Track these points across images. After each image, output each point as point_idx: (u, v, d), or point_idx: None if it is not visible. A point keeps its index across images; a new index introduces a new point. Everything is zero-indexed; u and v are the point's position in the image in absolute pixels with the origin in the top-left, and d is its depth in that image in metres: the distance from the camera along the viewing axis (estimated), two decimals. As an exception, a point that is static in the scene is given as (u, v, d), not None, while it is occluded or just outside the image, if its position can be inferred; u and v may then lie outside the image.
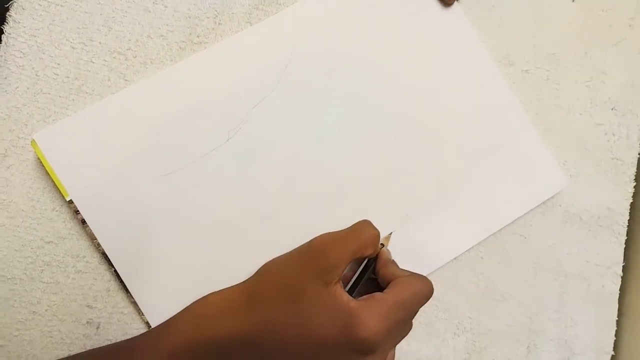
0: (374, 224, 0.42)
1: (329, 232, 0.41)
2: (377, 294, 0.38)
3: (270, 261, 0.43)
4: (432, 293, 0.40)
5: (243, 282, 0.43)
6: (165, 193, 0.44)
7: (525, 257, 0.50)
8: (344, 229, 0.41)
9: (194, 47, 0.45)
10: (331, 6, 0.47)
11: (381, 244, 0.44)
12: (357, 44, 0.47)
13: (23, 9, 0.43)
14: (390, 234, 0.46)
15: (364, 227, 0.41)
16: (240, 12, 0.46)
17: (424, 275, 0.41)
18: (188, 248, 0.44)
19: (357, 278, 0.42)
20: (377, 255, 0.43)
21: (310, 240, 0.41)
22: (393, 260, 0.43)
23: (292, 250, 0.42)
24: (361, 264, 0.43)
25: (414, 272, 0.41)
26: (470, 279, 0.49)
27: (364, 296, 0.38)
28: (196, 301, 0.43)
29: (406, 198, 0.47)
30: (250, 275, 0.43)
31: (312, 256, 0.39)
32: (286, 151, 0.45)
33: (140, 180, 0.43)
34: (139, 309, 0.43)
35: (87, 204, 0.42)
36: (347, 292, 0.39)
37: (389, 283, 0.40)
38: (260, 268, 0.43)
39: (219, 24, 0.46)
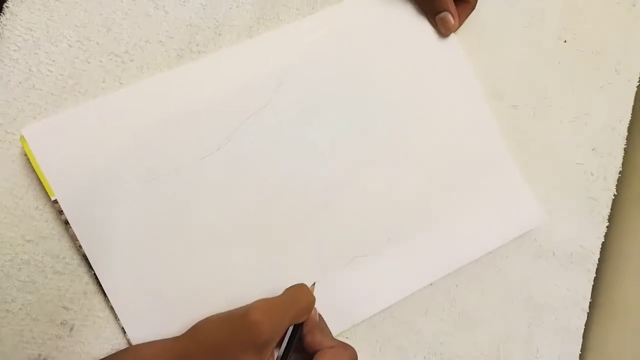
0: (308, 289, 0.43)
1: (265, 302, 0.40)
2: None
3: (206, 321, 0.41)
4: None
5: (176, 338, 0.42)
6: (151, 198, 0.43)
7: (499, 287, 0.51)
8: (280, 297, 0.41)
9: (192, 56, 0.45)
10: (330, 28, 0.47)
11: None
12: (352, 66, 0.47)
13: (21, 1, 0.42)
14: (314, 284, 0.46)
15: (301, 296, 0.42)
16: (241, 25, 0.46)
17: (348, 344, 0.42)
18: (170, 256, 0.44)
19: (287, 344, 0.42)
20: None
21: (247, 311, 0.39)
22: (319, 323, 0.44)
23: (229, 315, 0.41)
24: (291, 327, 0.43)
25: (339, 341, 0.43)
26: (443, 305, 0.50)
27: None
28: (126, 352, 0.42)
29: (388, 222, 0.48)
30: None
31: (248, 329, 0.38)
32: (274, 165, 0.46)
33: (128, 184, 0.43)
34: (115, 313, 0.43)
35: (72, 204, 0.42)
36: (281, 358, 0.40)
37: (314, 351, 0.41)
38: (195, 326, 0.41)
39: (219, 34, 0.46)
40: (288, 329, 0.42)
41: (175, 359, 0.40)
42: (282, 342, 0.42)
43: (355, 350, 0.42)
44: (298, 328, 0.42)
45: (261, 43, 0.46)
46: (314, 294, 0.45)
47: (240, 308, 0.41)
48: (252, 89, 0.45)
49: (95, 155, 0.43)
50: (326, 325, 0.45)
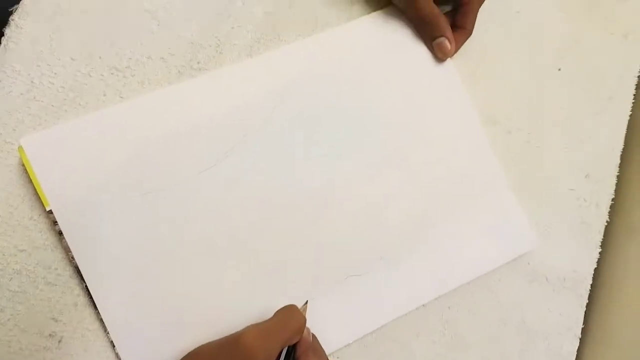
0: (299, 310, 0.42)
1: (256, 327, 0.40)
2: None
3: (199, 349, 0.41)
4: None
5: None
6: (146, 213, 0.44)
7: (492, 311, 0.51)
8: (271, 321, 0.41)
9: (193, 73, 0.46)
10: (329, 50, 0.48)
11: None
12: (349, 88, 0.48)
13: (27, 14, 0.43)
14: (306, 303, 0.46)
15: (290, 318, 0.42)
16: (242, 44, 0.47)
17: None
18: (162, 270, 0.44)
19: None
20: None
21: (239, 336, 0.39)
22: (313, 344, 0.44)
23: (220, 341, 0.41)
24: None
25: None
26: (436, 327, 0.50)
27: None
28: None
29: (382, 242, 0.48)
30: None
31: (241, 354, 0.38)
32: (269, 183, 0.46)
33: (123, 197, 0.43)
34: (105, 327, 0.43)
35: (67, 216, 0.42)
36: None
37: None
38: (188, 354, 0.41)
39: (220, 52, 0.47)
40: (282, 351, 0.42)
41: None
42: None
43: None
44: (292, 350, 0.42)
45: (261, 62, 0.47)
46: (307, 313, 0.45)
47: (232, 335, 0.40)
48: (251, 107, 0.46)
49: (92, 168, 0.43)
50: (320, 346, 0.45)
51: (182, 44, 0.46)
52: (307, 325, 0.43)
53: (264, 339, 0.39)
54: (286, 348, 0.42)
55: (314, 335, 0.45)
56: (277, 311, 0.42)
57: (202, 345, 0.41)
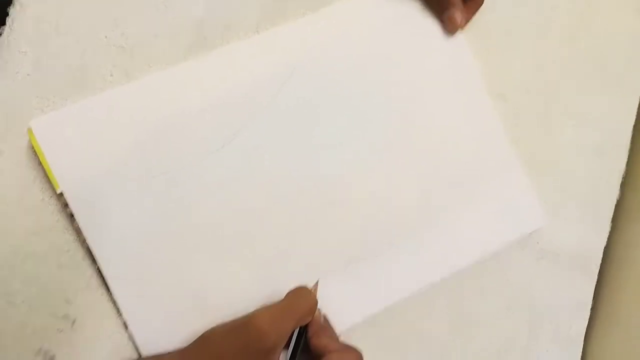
0: (310, 291, 0.43)
1: (267, 309, 0.40)
2: None
3: (211, 331, 0.41)
4: None
5: (182, 350, 0.42)
6: (156, 194, 0.43)
7: (501, 290, 0.51)
8: (282, 302, 0.41)
9: (200, 51, 0.45)
10: (336, 24, 0.47)
11: None
12: (357, 64, 0.48)
13: (31, -6, 0.42)
14: (317, 282, 0.46)
15: (302, 298, 0.42)
16: (249, 21, 0.46)
17: (353, 347, 0.43)
18: (174, 251, 0.44)
19: (293, 349, 0.42)
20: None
21: (250, 318, 0.39)
22: (324, 325, 0.44)
23: (233, 324, 0.41)
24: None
25: (345, 344, 0.43)
26: (445, 307, 0.50)
27: None
28: None
29: (391, 222, 0.48)
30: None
31: (252, 337, 0.38)
32: (277, 164, 0.46)
33: (133, 178, 0.43)
34: (118, 308, 0.43)
35: (78, 198, 0.42)
36: None
37: (320, 354, 0.41)
38: (201, 336, 0.41)
39: (227, 30, 0.46)
40: (293, 332, 0.42)
41: None
42: (289, 345, 0.42)
43: (360, 353, 0.42)
44: (303, 331, 0.42)
45: (268, 39, 0.46)
46: (317, 293, 0.45)
47: (244, 317, 0.41)
48: (258, 84, 0.46)
49: (101, 149, 0.43)
50: (331, 327, 0.45)
51: (188, 21, 0.45)
52: (318, 305, 0.43)
53: (276, 321, 0.39)
54: (297, 329, 0.42)
55: (324, 316, 0.45)
56: (288, 292, 0.42)
57: (214, 328, 0.42)
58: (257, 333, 0.38)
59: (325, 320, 0.45)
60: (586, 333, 0.53)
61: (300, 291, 0.42)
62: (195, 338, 0.42)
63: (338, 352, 0.41)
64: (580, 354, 0.53)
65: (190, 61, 0.45)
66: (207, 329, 0.42)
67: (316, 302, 0.42)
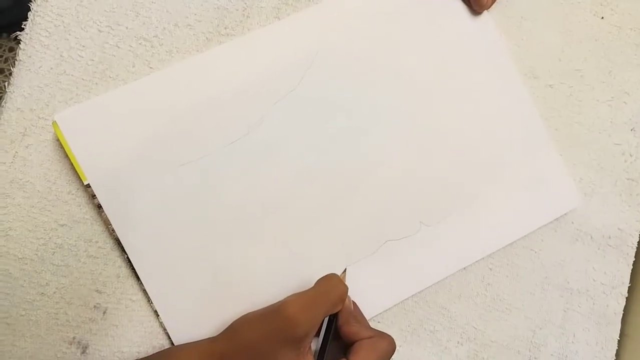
0: (340, 279, 0.42)
1: (298, 297, 0.40)
2: None
3: (242, 320, 0.41)
4: (395, 349, 0.41)
5: (212, 339, 0.42)
6: (182, 183, 0.43)
7: (534, 272, 0.50)
8: (312, 290, 0.41)
9: (221, 39, 0.45)
10: (359, 7, 0.46)
11: None
12: (382, 47, 0.47)
13: (52, -13, 0.43)
14: (345, 270, 0.45)
15: (332, 287, 0.41)
16: (269, 6, 0.46)
17: (385, 332, 0.42)
18: (201, 239, 0.44)
19: (324, 337, 0.42)
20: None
21: (280, 305, 0.39)
22: (354, 312, 0.43)
23: (263, 312, 0.41)
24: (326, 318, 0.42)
25: (376, 330, 0.42)
26: (477, 290, 0.49)
27: None
28: (164, 354, 0.42)
29: (421, 205, 0.47)
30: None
31: (282, 325, 0.38)
32: (303, 150, 0.45)
33: (159, 168, 0.43)
34: (149, 297, 0.44)
35: (105, 189, 0.42)
36: (318, 353, 0.41)
37: (352, 341, 0.41)
38: (231, 326, 0.41)
39: (247, 17, 0.45)
40: (324, 320, 0.42)
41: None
42: (320, 333, 0.42)
43: (392, 339, 0.41)
44: (333, 319, 0.42)
45: (289, 25, 0.45)
46: (346, 281, 0.44)
47: (274, 304, 0.41)
48: (281, 72, 0.45)
49: (126, 140, 0.43)
50: (361, 314, 0.45)
51: (208, 9, 0.45)
52: (348, 294, 0.43)
53: (307, 309, 0.39)
54: (328, 317, 0.42)
55: (354, 303, 0.45)
56: (318, 280, 0.42)
57: (244, 316, 0.42)
58: (287, 321, 0.38)
59: (356, 307, 0.45)
60: (624, 313, 0.51)
61: (330, 279, 0.42)
62: (226, 325, 0.42)
63: (370, 339, 0.41)
64: (619, 333, 0.51)
65: (212, 50, 0.44)
66: (236, 316, 0.42)
67: (346, 290, 0.42)
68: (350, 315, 0.42)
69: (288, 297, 0.41)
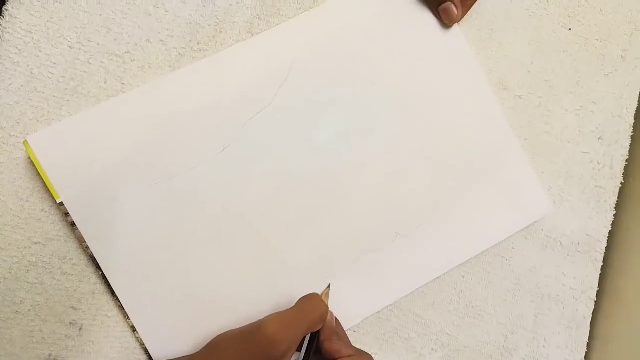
0: (321, 298, 0.43)
1: (278, 317, 0.40)
2: None
3: (221, 337, 0.42)
4: None
5: (191, 356, 0.42)
6: (156, 200, 0.44)
7: (506, 278, 0.51)
8: (293, 310, 0.41)
9: (194, 54, 0.45)
10: (332, 21, 0.47)
11: None
12: (355, 60, 0.47)
13: (20, 3, 0.42)
14: (329, 286, 0.46)
15: (313, 306, 0.42)
16: (242, 22, 0.46)
17: (365, 351, 0.43)
18: (178, 254, 0.44)
19: (305, 354, 0.42)
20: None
21: (260, 324, 0.39)
22: (336, 329, 0.44)
23: (242, 330, 0.41)
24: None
25: (356, 348, 0.43)
26: (451, 297, 0.50)
27: None
28: None
29: (396, 215, 0.48)
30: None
31: (263, 343, 0.38)
32: (280, 164, 0.46)
33: (133, 186, 0.43)
34: (125, 312, 0.44)
35: (78, 206, 0.42)
36: None
37: (332, 359, 0.41)
38: (210, 344, 0.41)
39: (219, 32, 0.45)
40: (305, 336, 0.42)
41: None
42: (301, 348, 0.42)
43: (372, 358, 0.42)
44: (315, 335, 0.43)
45: (263, 40, 0.46)
46: (329, 296, 0.45)
47: (254, 323, 0.41)
48: (255, 88, 0.45)
49: (100, 158, 0.43)
50: (343, 331, 0.45)
51: (180, 24, 0.45)
52: (330, 310, 0.44)
53: (287, 328, 0.39)
54: (309, 334, 0.42)
55: (337, 320, 0.45)
56: (300, 300, 0.42)
57: (224, 334, 0.42)
58: (267, 340, 0.38)
59: (338, 324, 0.45)
60: (593, 316, 0.53)
61: (311, 298, 0.42)
62: (204, 340, 0.42)
63: (350, 358, 0.41)
64: (588, 336, 0.53)
65: (185, 68, 0.44)
66: (216, 331, 0.42)
67: (327, 310, 0.42)
68: (333, 332, 0.43)
69: (268, 316, 0.41)
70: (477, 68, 0.49)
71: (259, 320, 0.40)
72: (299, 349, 0.42)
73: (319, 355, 0.43)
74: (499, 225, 0.50)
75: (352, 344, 0.44)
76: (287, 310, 0.41)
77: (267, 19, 0.46)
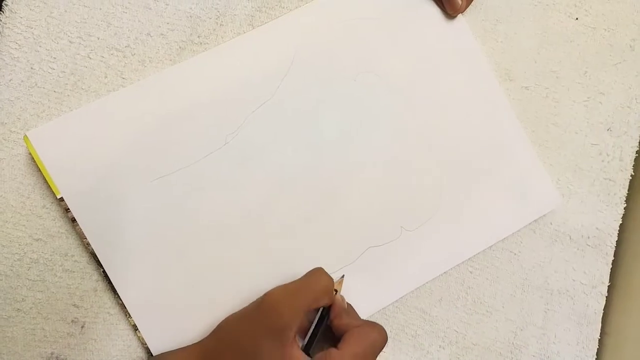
0: (326, 272, 0.42)
1: (281, 287, 0.40)
2: (333, 351, 0.38)
3: (227, 319, 0.41)
4: (387, 340, 0.41)
5: (199, 342, 0.42)
6: (158, 196, 0.43)
7: (514, 274, 0.50)
8: (296, 281, 0.41)
9: (194, 48, 0.45)
10: (334, 13, 0.46)
11: (335, 289, 0.43)
12: (358, 52, 0.46)
13: (20, -2, 0.42)
14: (342, 277, 0.45)
15: (316, 278, 0.41)
16: (243, 14, 0.45)
17: (376, 322, 0.42)
18: (179, 251, 0.44)
19: (314, 329, 0.41)
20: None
21: (263, 297, 0.40)
22: (347, 308, 0.43)
23: (247, 307, 0.41)
24: (317, 312, 0.42)
25: (367, 320, 0.42)
26: (458, 293, 0.49)
27: (320, 354, 0.38)
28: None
29: (402, 210, 0.47)
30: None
31: (265, 315, 0.38)
32: (283, 158, 0.45)
33: (134, 181, 0.43)
34: (126, 310, 0.43)
35: (78, 202, 0.42)
36: (306, 345, 0.40)
37: (342, 333, 0.40)
38: (218, 325, 0.41)
39: (220, 25, 0.45)
40: (316, 315, 0.42)
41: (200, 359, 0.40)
42: (310, 327, 0.42)
43: (383, 329, 0.41)
44: (326, 313, 0.42)
45: (264, 33, 0.45)
46: (342, 287, 0.45)
47: (257, 298, 0.41)
48: (257, 81, 0.45)
49: (100, 154, 0.42)
50: (354, 311, 0.45)
51: (181, 18, 0.44)
52: (342, 293, 0.43)
53: (288, 299, 0.39)
54: (320, 310, 0.42)
55: (349, 304, 0.44)
56: (305, 274, 0.42)
57: (231, 314, 0.42)
58: (270, 310, 0.38)
59: (349, 306, 0.44)
60: (604, 312, 0.52)
61: (316, 271, 0.42)
62: (207, 333, 0.41)
63: (359, 327, 0.41)
64: (599, 331, 0.52)
65: (185, 61, 0.44)
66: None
67: (331, 282, 0.41)
68: (343, 310, 0.42)
69: (272, 288, 0.40)
70: (482, 59, 0.48)
71: (262, 295, 0.40)
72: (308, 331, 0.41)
73: (330, 337, 0.42)
74: (506, 219, 0.49)
75: None
76: (290, 283, 0.41)
77: (268, 12, 0.46)
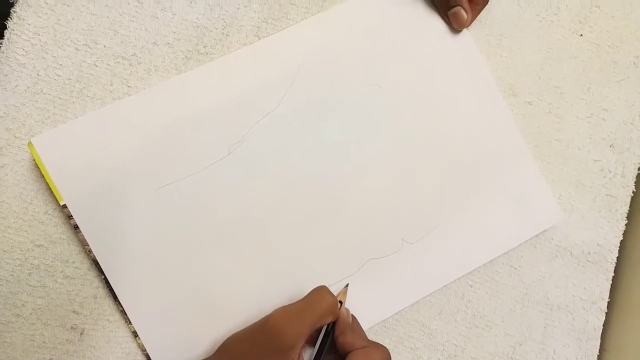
0: (329, 291, 0.42)
1: (284, 308, 0.40)
2: None
3: (231, 338, 0.41)
4: None
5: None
6: (161, 204, 0.43)
7: (514, 288, 0.50)
8: (300, 301, 0.41)
9: (200, 57, 0.45)
10: (340, 25, 0.46)
11: (339, 301, 0.43)
12: (363, 64, 0.47)
13: (29, 5, 0.42)
14: (347, 286, 0.45)
15: (320, 298, 0.41)
16: (249, 25, 0.46)
17: (381, 344, 0.42)
18: (181, 259, 0.44)
19: (319, 348, 0.41)
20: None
21: (266, 319, 0.40)
22: (351, 324, 0.43)
23: (250, 327, 0.41)
24: (322, 328, 0.42)
25: (372, 341, 0.42)
26: (458, 307, 0.49)
27: None
28: None
29: (403, 222, 0.47)
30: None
31: (269, 337, 0.38)
32: (286, 168, 0.45)
33: (137, 189, 0.43)
34: (127, 317, 0.43)
35: (81, 209, 0.42)
36: None
37: (346, 352, 0.41)
38: (221, 345, 0.41)
39: (226, 35, 0.45)
40: (321, 331, 0.42)
41: None
42: (316, 344, 0.42)
43: (387, 351, 0.41)
44: (330, 330, 0.42)
45: (270, 44, 0.45)
46: (346, 296, 0.45)
47: (262, 319, 0.41)
48: (262, 91, 0.45)
49: (104, 161, 0.42)
50: (359, 326, 0.45)
51: (187, 27, 0.45)
52: (344, 305, 0.43)
53: (293, 319, 0.39)
54: (325, 327, 0.42)
55: (353, 317, 0.44)
56: (308, 293, 0.42)
57: (234, 334, 0.42)
58: (273, 332, 0.38)
59: (354, 319, 0.44)
60: (604, 328, 0.52)
61: (319, 290, 0.42)
62: (207, 346, 0.42)
63: (363, 349, 0.41)
64: (598, 348, 0.51)
65: (191, 71, 0.44)
66: (219, 337, 0.42)
67: (336, 301, 0.42)
68: (347, 327, 0.42)
69: (275, 309, 0.40)
70: (486, 73, 0.49)
71: (266, 315, 0.40)
72: (314, 345, 0.41)
73: (334, 353, 0.42)
74: (507, 234, 0.49)
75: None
76: (294, 303, 0.41)
77: (274, 23, 0.46)
